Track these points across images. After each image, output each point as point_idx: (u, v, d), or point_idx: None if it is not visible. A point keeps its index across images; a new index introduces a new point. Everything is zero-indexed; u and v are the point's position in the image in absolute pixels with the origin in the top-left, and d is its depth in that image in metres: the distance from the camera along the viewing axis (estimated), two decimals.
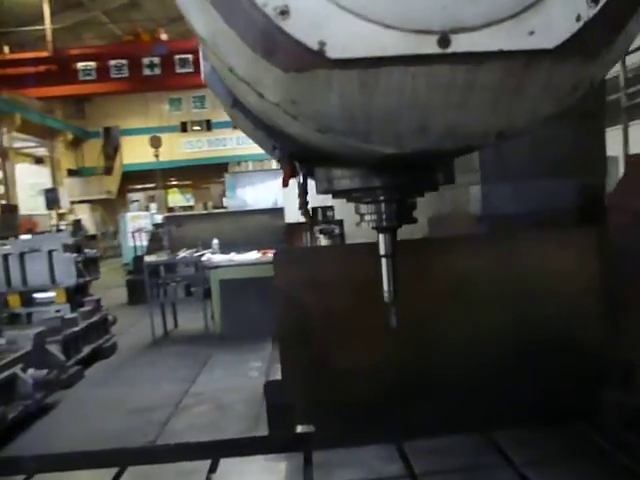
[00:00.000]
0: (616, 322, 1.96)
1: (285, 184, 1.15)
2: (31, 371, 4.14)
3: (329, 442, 1.61)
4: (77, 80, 14.52)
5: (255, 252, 6.62)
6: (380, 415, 1.97)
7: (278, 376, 2.04)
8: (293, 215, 5.49)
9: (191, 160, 20.89)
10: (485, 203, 2.52)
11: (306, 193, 1.15)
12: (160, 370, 5.38)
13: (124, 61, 14.43)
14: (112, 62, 14.40)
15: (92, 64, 14.43)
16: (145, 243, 9.86)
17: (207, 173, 21.04)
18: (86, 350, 5.44)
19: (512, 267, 1.96)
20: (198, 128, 21.41)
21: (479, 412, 1.70)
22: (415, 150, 0.77)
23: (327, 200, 5.55)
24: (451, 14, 0.65)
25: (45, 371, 4.21)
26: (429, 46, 0.66)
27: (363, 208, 1.19)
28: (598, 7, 0.68)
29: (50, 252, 6.20)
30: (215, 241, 6.90)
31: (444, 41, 0.66)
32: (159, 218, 11.03)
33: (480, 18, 0.66)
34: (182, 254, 6.61)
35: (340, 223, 5.07)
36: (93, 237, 16.11)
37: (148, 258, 6.71)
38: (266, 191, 10.30)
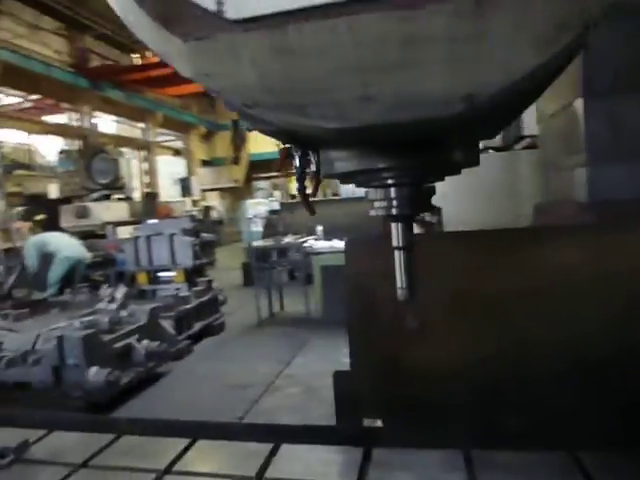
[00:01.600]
0: None
1: (279, 168, 1.09)
2: (145, 342, 4.60)
3: (392, 440, 1.54)
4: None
5: None
6: (450, 417, 1.84)
7: None
8: None
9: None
10: (592, 188, 2.20)
11: (303, 176, 1.07)
12: (260, 350, 5.65)
13: None
14: None
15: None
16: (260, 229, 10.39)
17: None
18: (197, 326, 5.89)
19: (619, 263, 1.68)
20: None
21: (565, 427, 1.50)
22: (363, 124, 0.67)
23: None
24: None
25: (157, 343, 4.65)
26: None
27: (372, 193, 1.07)
28: None
29: (171, 236, 6.82)
30: (319, 227, 7.01)
31: None
32: (276, 205, 11.52)
33: None
34: (287, 240, 6.83)
35: (438, 211, 4.83)
36: (220, 222, 17.41)
37: (255, 243, 7.03)
38: None
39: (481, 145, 1.01)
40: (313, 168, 1.09)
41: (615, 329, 1.59)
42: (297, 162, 1.05)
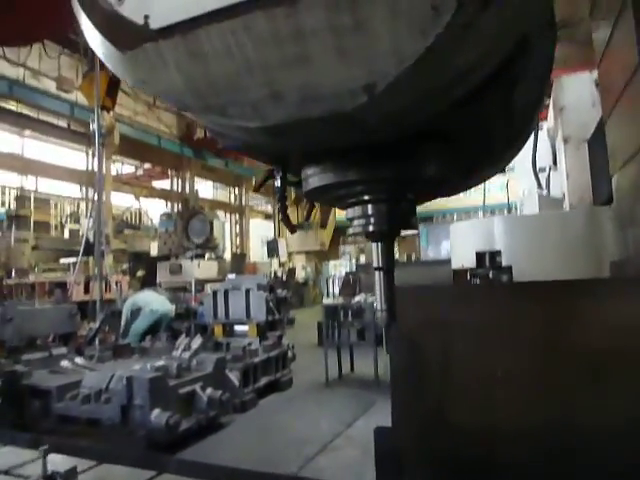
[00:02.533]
0: None
1: (255, 189, 1.14)
2: (209, 390, 4.71)
3: None
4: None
5: None
6: None
7: None
8: (458, 260, 5.17)
9: None
10: None
11: (284, 198, 1.12)
12: (324, 409, 5.51)
13: None
14: None
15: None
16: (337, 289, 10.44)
17: None
18: (263, 380, 5.92)
19: None
20: None
21: None
22: (279, 122, 0.71)
23: (494, 243, 5.09)
24: None
25: (220, 392, 4.73)
26: None
27: (350, 212, 1.10)
28: None
29: (247, 290, 7.08)
30: None
31: None
32: (353, 266, 11.59)
33: None
34: (357, 298, 6.79)
35: (509, 270, 4.56)
36: (305, 284, 17.75)
37: (326, 301, 7.06)
38: None
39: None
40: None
41: None
42: (278, 182, 1.10)
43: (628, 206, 2.65)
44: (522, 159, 6.82)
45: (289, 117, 0.69)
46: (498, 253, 4.81)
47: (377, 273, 1.06)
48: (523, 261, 4.71)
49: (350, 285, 9.69)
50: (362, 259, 19.48)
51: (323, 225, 23.53)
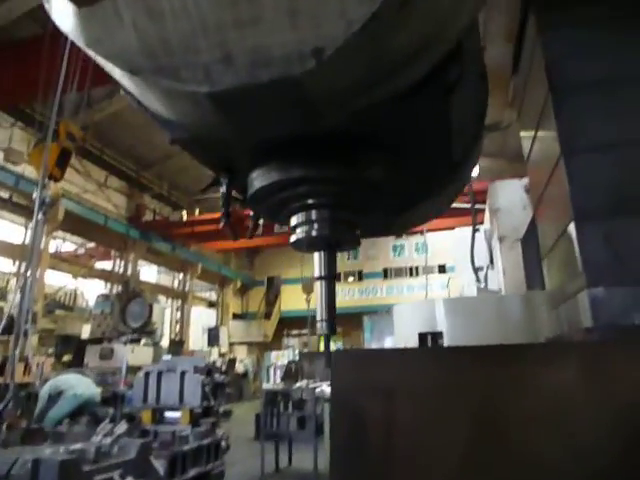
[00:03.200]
0: None
1: (202, 190, 1.13)
2: (129, 479, 4.21)
3: None
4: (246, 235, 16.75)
5: None
6: None
7: None
8: (401, 341, 5.21)
9: (342, 308, 21.52)
10: (596, 312, 2.10)
11: (229, 204, 1.11)
12: None
13: None
14: None
15: (260, 222, 16.64)
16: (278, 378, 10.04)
17: (357, 320, 21.41)
18: (192, 472, 5.39)
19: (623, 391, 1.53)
20: (351, 279, 22.45)
21: None
22: (230, 86, 0.72)
23: (435, 325, 5.12)
24: None
25: None
26: None
27: (294, 219, 1.09)
28: None
29: (182, 373, 6.66)
30: None
31: None
32: (296, 355, 11.27)
33: None
34: (298, 384, 6.53)
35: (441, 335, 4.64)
36: (244, 375, 16.95)
37: (266, 386, 6.74)
38: None
39: None
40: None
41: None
42: (224, 188, 1.09)
43: (558, 284, 2.79)
44: (462, 259, 7.24)
45: (239, 81, 0.71)
46: (440, 334, 4.87)
47: (319, 283, 1.04)
48: (463, 341, 4.78)
49: (292, 373, 9.37)
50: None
51: (267, 316, 23.13)
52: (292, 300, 22.04)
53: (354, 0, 0.65)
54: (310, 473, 6.10)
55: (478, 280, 8.26)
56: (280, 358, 12.28)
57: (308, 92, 0.73)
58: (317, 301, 1.06)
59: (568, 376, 1.54)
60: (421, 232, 15.45)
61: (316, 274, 1.08)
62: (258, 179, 1.03)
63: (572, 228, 2.22)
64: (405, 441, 1.64)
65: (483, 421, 1.55)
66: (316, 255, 1.08)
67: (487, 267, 8.38)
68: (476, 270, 7.90)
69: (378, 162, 0.99)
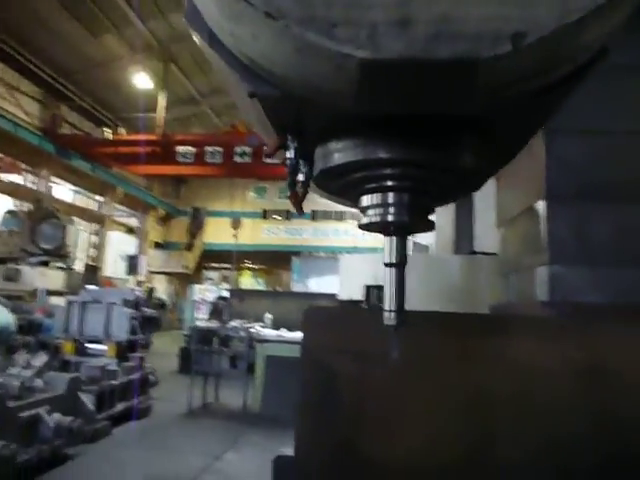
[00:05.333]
0: None
1: (269, 154, 0.97)
2: (56, 415, 4.02)
3: None
4: (176, 162, 15.89)
5: None
6: None
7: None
8: (346, 293, 5.29)
9: (268, 245, 21.59)
10: (554, 287, 2.20)
11: (296, 171, 0.96)
12: (187, 441, 5.06)
13: (219, 148, 15.66)
14: (208, 148, 15.69)
15: (191, 149, 15.82)
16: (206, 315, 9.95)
17: (281, 260, 21.58)
18: (120, 407, 5.28)
19: (582, 362, 1.61)
20: (279, 218, 22.33)
21: None
22: (398, 56, 0.58)
23: (380, 280, 5.33)
24: None
25: (70, 418, 4.07)
26: None
27: (366, 199, 0.97)
28: None
29: (110, 305, 6.35)
30: (268, 315, 6.75)
31: None
32: (225, 292, 11.19)
33: None
34: (233, 324, 6.50)
35: None
36: (163, 306, 16.63)
37: (199, 323, 6.65)
38: (333, 279, 10.15)
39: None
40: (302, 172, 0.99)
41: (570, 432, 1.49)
42: (292, 153, 0.94)
43: (513, 255, 2.90)
44: None
45: (410, 53, 0.58)
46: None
47: (387, 270, 0.96)
48: (409, 298, 4.92)
49: (219, 311, 9.31)
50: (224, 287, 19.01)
51: (189, 247, 22.61)
52: (217, 233, 21.64)
53: None
54: (237, 409, 6.23)
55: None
56: (205, 292, 12.11)
57: (480, 77, 0.61)
58: (385, 289, 0.97)
59: (532, 347, 1.62)
60: None
61: (386, 260, 0.98)
62: (340, 153, 0.89)
63: (541, 205, 2.28)
64: (376, 403, 1.66)
65: (454, 391, 1.60)
66: (386, 240, 0.98)
67: None
68: None
69: (471, 150, 0.90)
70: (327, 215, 21.06)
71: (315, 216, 21.26)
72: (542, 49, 0.59)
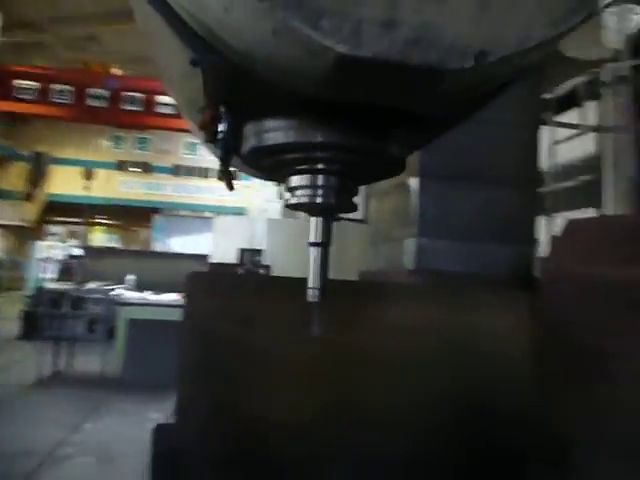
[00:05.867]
0: (548, 393, 1.84)
1: (203, 126, 0.90)
2: None
3: None
4: (13, 97, 13.80)
5: (175, 294, 6.15)
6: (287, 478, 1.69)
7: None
8: (219, 255, 5.21)
9: (124, 200, 20.02)
10: (420, 257, 2.43)
11: (229, 147, 0.92)
12: (39, 413, 4.64)
13: (69, 87, 13.96)
14: (56, 86, 13.89)
15: (33, 84, 13.84)
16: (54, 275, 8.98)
17: (140, 217, 20.21)
18: None
19: (438, 324, 1.83)
20: (138, 170, 20.77)
21: None
22: (374, 55, 0.59)
23: (256, 243, 5.33)
24: None
25: None
26: None
27: (295, 180, 0.97)
28: None
29: None
30: (130, 277, 6.36)
31: None
32: (77, 251, 10.19)
33: None
34: (90, 285, 6.02)
35: (268, 269, 4.83)
36: None
37: (48, 285, 6.04)
38: (198, 239, 9.86)
39: None
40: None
41: (425, 390, 1.72)
42: (224, 126, 0.90)
43: (383, 225, 3.14)
44: None
45: (387, 55, 0.59)
46: (259, 252, 5.01)
47: (312, 249, 1.00)
48: (280, 262, 4.99)
49: (70, 271, 8.51)
50: (74, 244, 17.35)
51: (29, 197, 20.03)
52: (64, 183, 19.45)
53: (541, 15, 0.60)
54: (96, 376, 5.86)
55: (280, 198, 8.66)
56: (52, 250, 10.88)
57: (444, 84, 0.67)
58: (310, 268, 1.00)
59: (400, 311, 1.83)
60: None
61: (311, 240, 1.01)
62: (276, 132, 0.88)
63: (414, 182, 2.51)
64: (256, 367, 1.74)
65: (326, 352, 1.73)
66: (312, 220, 1.01)
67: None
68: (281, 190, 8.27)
69: (404, 139, 0.95)
70: (191, 171, 20.17)
71: (177, 171, 20.22)
72: (500, 66, 0.65)
